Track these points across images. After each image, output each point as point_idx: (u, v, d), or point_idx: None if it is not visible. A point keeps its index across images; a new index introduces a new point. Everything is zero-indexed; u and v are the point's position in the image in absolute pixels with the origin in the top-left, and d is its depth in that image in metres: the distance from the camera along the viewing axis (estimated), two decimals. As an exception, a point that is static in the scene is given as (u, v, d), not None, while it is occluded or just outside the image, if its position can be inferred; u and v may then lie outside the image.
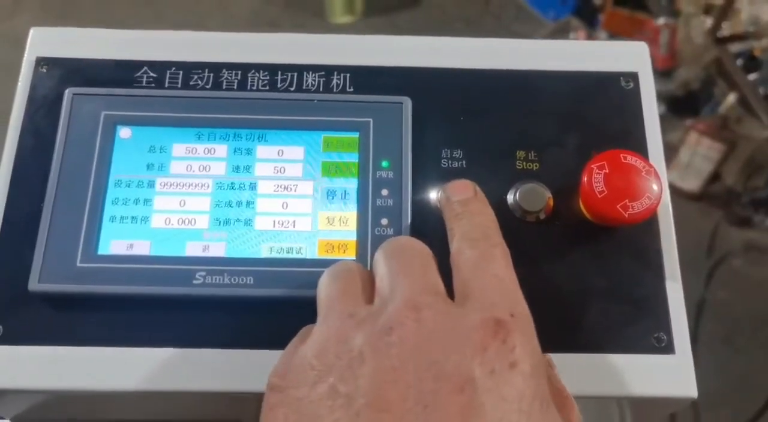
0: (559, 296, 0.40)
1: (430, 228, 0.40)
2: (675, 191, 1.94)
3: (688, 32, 2.02)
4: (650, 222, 0.41)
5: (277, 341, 0.38)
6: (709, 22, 1.99)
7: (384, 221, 0.40)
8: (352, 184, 0.41)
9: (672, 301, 0.39)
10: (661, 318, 0.39)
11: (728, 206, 1.93)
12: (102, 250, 0.39)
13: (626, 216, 0.38)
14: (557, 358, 0.38)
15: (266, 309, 0.38)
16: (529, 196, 0.41)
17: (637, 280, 0.40)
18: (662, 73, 2.05)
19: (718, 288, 1.82)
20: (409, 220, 0.40)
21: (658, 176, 0.39)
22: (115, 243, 0.39)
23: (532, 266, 0.40)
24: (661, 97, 2.04)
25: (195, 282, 0.38)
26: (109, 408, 0.42)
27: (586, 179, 0.39)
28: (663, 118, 2.11)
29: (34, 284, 0.38)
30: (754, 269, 1.87)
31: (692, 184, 1.95)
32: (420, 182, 0.41)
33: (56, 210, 0.39)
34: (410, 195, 0.40)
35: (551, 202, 0.41)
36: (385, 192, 0.41)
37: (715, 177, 1.95)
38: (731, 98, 1.90)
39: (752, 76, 1.92)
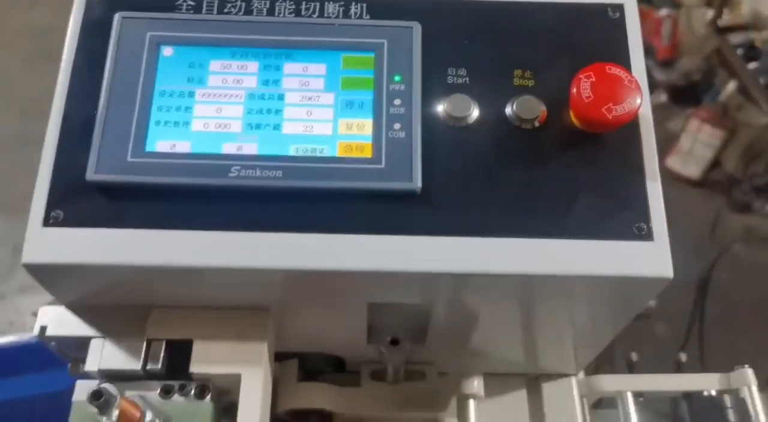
0: (551, 192, 0.45)
1: (438, 132, 0.46)
2: (676, 178, 1.99)
3: (689, 23, 2.07)
4: (632, 130, 0.46)
5: (301, 225, 0.43)
6: (710, 13, 2.04)
7: (397, 126, 0.45)
8: (368, 96, 0.46)
9: (651, 197, 0.45)
10: (642, 211, 0.44)
11: (729, 192, 1.97)
12: (149, 148, 0.44)
13: (610, 117, 0.43)
14: (553, 244, 0.43)
15: (292, 199, 0.44)
16: (524, 105, 0.46)
17: (621, 179, 0.45)
18: (664, 63, 2.10)
19: (719, 272, 1.86)
20: (419, 125, 0.45)
21: (639, 87, 0.45)
22: (160, 143, 0.45)
23: (528, 167, 0.45)
24: (663, 87, 2.10)
25: (231, 175, 0.44)
26: (151, 294, 0.47)
27: (575, 89, 0.44)
28: (665, 107, 2.16)
29: (91, 175, 0.43)
30: (754, 253, 1.91)
31: (693, 170, 1.99)
32: (429, 94, 0.46)
33: (109, 115, 0.45)
34: (420, 104, 0.46)
35: (544, 114, 0.46)
36: (397, 102, 0.46)
37: (715, 163, 2.00)
38: (731, 86, 1.94)
39: (752, 65, 1.97)
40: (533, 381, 0.63)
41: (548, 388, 0.62)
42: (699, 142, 1.99)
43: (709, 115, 1.98)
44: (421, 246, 0.43)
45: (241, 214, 0.43)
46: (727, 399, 0.60)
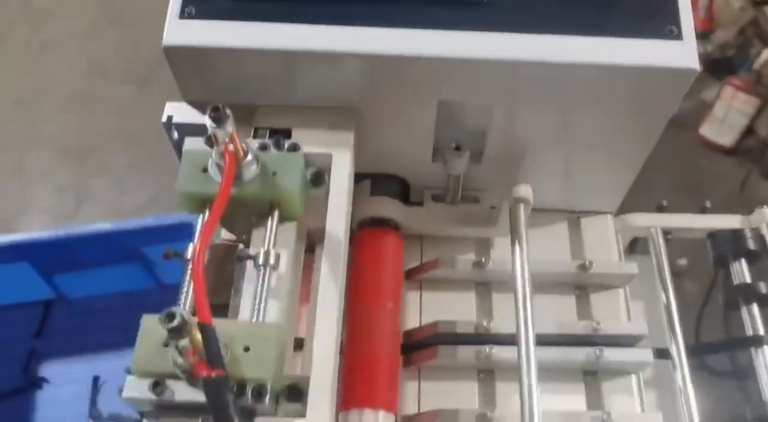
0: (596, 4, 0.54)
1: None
2: (710, 146, 2.04)
3: (725, -4, 2.12)
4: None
5: (388, 22, 0.53)
6: (746, -13, 2.09)
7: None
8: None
9: (682, 7, 0.53)
10: (673, 16, 0.53)
11: (762, 159, 2.02)
12: (263, -39, 0.54)
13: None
14: (597, 40, 0.52)
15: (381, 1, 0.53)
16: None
17: (656, -6, 0.54)
18: (700, 35, 2.16)
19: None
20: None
21: None
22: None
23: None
24: (699, 58, 2.15)
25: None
26: (258, 90, 0.56)
27: None
28: (700, 78, 2.20)
29: (219, -23, 0.53)
30: (785, 219, 1.95)
31: (727, 138, 2.04)
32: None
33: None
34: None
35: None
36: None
37: (748, 131, 2.04)
38: (766, 54, 2.00)
39: (787, 36, 2.02)
40: (574, 220, 0.71)
41: (587, 223, 0.70)
42: (733, 110, 2.04)
43: (744, 83, 2.03)
44: (485, 39, 0.52)
45: (339, 12, 0.53)
46: (748, 233, 0.67)
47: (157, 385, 0.43)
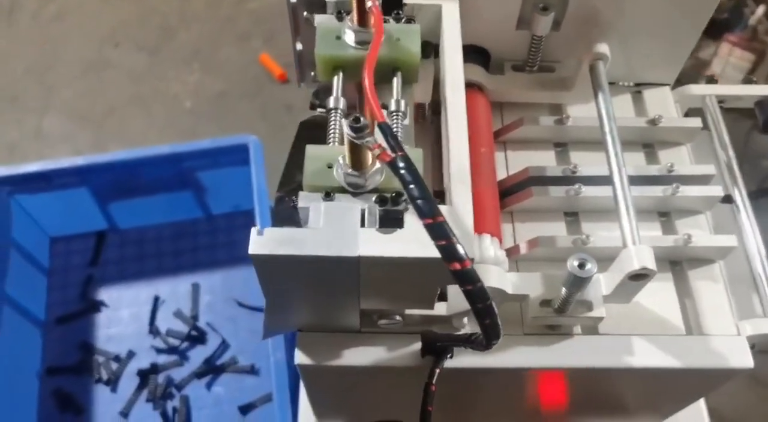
0: None
1: None
2: (708, 101, 2.14)
3: (719, -41, 2.22)
4: None
5: None
6: (739, -51, 2.19)
7: None
8: None
9: None
10: None
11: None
12: None
13: None
14: None
15: None
16: None
17: None
18: (696, -3, 2.26)
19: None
20: None
21: None
22: None
23: None
24: (695, 19, 2.25)
25: None
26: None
27: None
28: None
29: None
30: (782, 169, 2.05)
31: (724, 93, 2.14)
32: None
33: None
34: None
35: None
36: None
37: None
38: (760, 11, 2.10)
39: (779, -5, 2.12)
40: (636, 94, 0.78)
41: (648, 95, 0.77)
42: (729, 66, 2.14)
43: (739, 39, 2.13)
44: None
45: None
46: (794, 96, 0.75)
47: (328, 195, 0.49)
